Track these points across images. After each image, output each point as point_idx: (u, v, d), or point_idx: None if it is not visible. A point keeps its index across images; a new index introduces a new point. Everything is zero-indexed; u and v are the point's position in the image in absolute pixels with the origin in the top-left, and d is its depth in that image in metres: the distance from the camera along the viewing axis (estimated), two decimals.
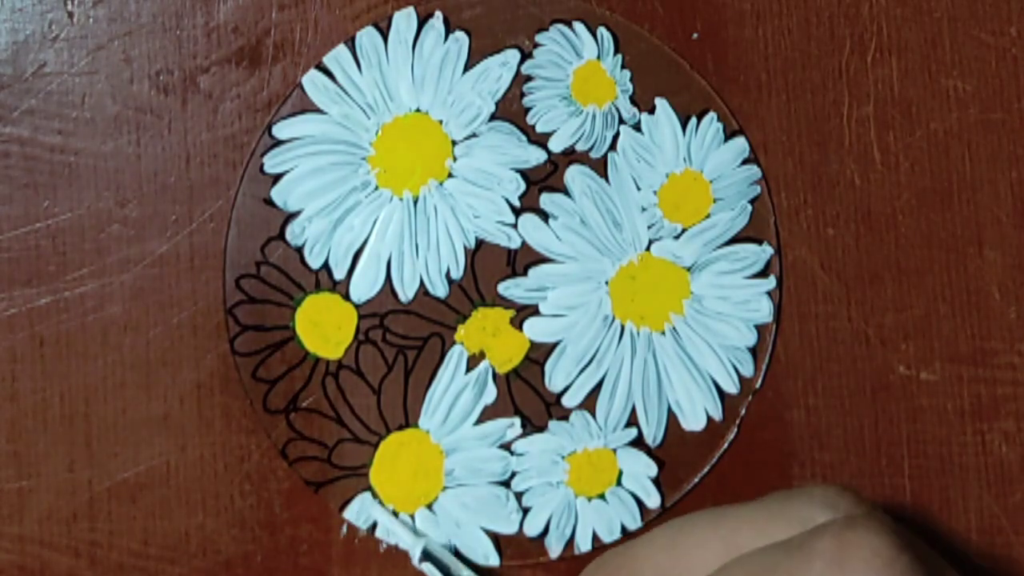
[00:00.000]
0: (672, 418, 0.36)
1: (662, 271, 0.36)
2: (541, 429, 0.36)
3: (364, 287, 0.36)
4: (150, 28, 0.35)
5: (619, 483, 0.36)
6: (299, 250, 0.36)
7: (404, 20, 0.36)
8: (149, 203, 0.35)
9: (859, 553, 0.21)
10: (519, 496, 0.36)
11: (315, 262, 0.36)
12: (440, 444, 0.36)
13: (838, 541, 0.21)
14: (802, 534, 0.22)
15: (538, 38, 0.36)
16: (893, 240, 0.37)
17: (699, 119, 0.37)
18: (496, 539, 0.36)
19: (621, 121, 0.36)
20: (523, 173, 0.36)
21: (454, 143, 0.36)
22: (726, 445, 0.36)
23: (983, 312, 0.36)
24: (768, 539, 0.22)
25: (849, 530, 0.21)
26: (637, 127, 0.37)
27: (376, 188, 0.36)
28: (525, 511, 0.36)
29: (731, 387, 0.36)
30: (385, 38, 0.36)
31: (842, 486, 0.24)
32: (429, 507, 0.36)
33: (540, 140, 0.36)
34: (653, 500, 0.36)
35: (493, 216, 0.36)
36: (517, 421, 0.36)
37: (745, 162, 0.37)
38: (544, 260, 0.36)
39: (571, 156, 0.36)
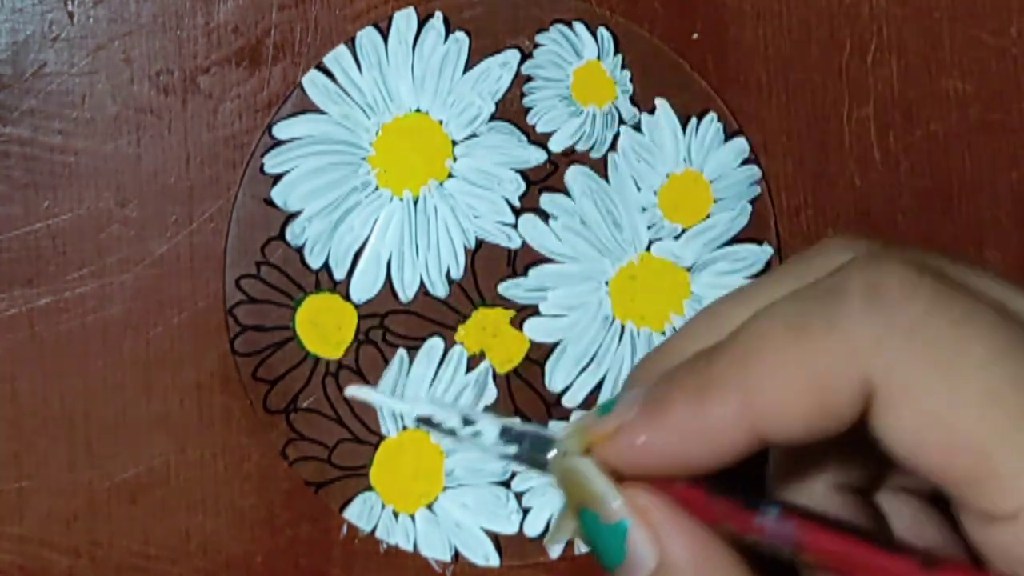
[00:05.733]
0: None
1: (662, 271, 0.36)
2: None
3: (364, 287, 0.36)
4: (150, 28, 0.35)
5: None
6: (299, 250, 0.36)
7: (404, 20, 0.36)
8: (149, 203, 0.35)
9: (890, 282, 0.21)
10: (519, 496, 0.36)
11: (315, 262, 0.36)
12: (440, 444, 0.36)
13: (866, 277, 0.21)
14: (829, 277, 0.22)
15: (538, 38, 0.36)
16: (893, 240, 0.37)
17: (699, 119, 0.37)
18: (496, 539, 0.36)
19: (621, 121, 0.36)
20: (523, 173, 0.36)
21: (454, 143, 0.36)
22: None
23: None
24: None
25: (875, 264, 0.21)
26: (637, 127, 0.36)
27: (376, 188, 0.36)
28: (525, 511, 0.36)
29: None
30: (385, 38, 0.36)
31: (856, 233, 0.24)
32: (429, 507, 0.36)
33: (540, 140, 0.36)
34: None
35: (493, 216, 0.36)
36: (517, 421, 0.36)
37: (745, 162, 0.37)
38: (544, 260, 0.36)
39: (571, 156, 0.36)
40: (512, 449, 0.25)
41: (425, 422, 0.27)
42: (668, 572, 0.22)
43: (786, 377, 0.21)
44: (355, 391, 0.34)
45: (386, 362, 0.36)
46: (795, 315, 0.21)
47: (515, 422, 0.26)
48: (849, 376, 0.20)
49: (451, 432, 0.26)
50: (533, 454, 0.25)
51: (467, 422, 0.26)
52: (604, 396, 0.36)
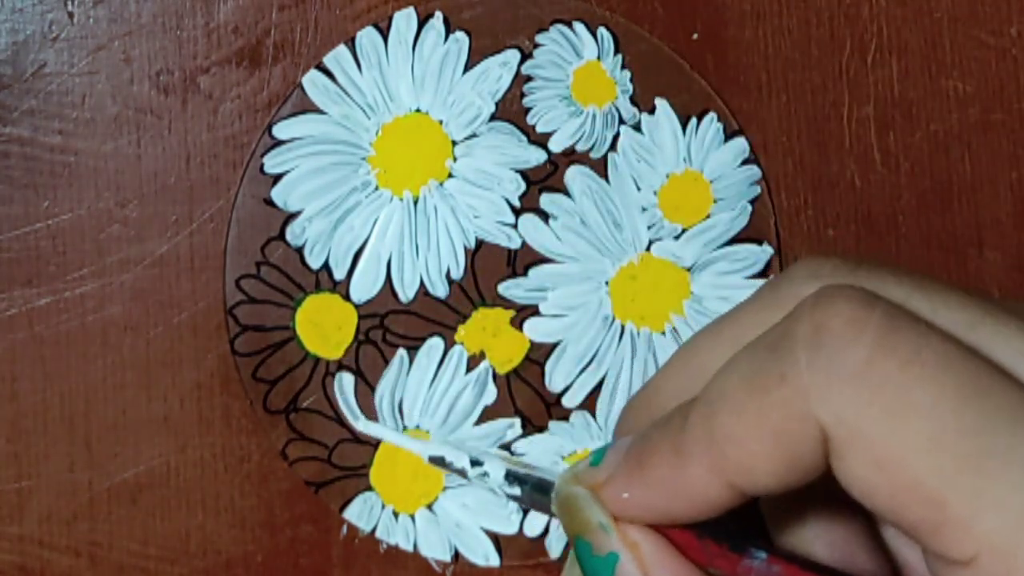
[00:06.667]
0: None
1: (662, 271, 0.36)
2: (541, 429, 0.36)
3: (364, 287, 0.36)
4: (150, 28, 0.35)
5: None
6: (299, 250, 0.36)
7: (404, 20, 0.36)
8: (149, 203, 0.35)
9: (836, 323, 0.20)
10: None
11: (315, 262, 0.36)
12: None
13: (812, 319, 0.21)
14: (783, 323, 0.21)
15: (538, 38, 0.36)
16: (893, 241, 0.37)
17: (699, 119, 0.37)
18: (496, 539, 0.36)
19: (621, 121, 0.36)
20: (523, 173, 0.36)
21: (454, 143, 0.36)
22: None
23: None
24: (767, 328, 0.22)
25: (823, 303, 0.21)
26: (637, 127, 0.37)
27: (376, 188, 0.36)
28: (525, 511, 0.36)
29: None
30: (385, 38, 0.36)
31: (827, 254, 0.24)
32: (429, 507, 0.36)
33: (540, 140, 0.36)
34: None
35: (493, 216, 0.36)
36: (517, 421, 0.36)
37: (745, 162, 0.37)
38: (544, 260, 0.36)
39: (571, 156, 0.36)
40: (516, 491, 0.26)
41: (437, 462, 0.27)
42: None
43: (748, 434, 0.21)
44: (368, 428, 0.34)
45: (386, 362, 0.36)
46: (750, 369, 0.21)
47: (520, 465, 0.26)
48: (805, 426, 0.20)
49: (461, 472, 0.27)
50: (535, 496, 0.25)
51: (475, 463, 0.26)
52: (603, 397, 0.36)
